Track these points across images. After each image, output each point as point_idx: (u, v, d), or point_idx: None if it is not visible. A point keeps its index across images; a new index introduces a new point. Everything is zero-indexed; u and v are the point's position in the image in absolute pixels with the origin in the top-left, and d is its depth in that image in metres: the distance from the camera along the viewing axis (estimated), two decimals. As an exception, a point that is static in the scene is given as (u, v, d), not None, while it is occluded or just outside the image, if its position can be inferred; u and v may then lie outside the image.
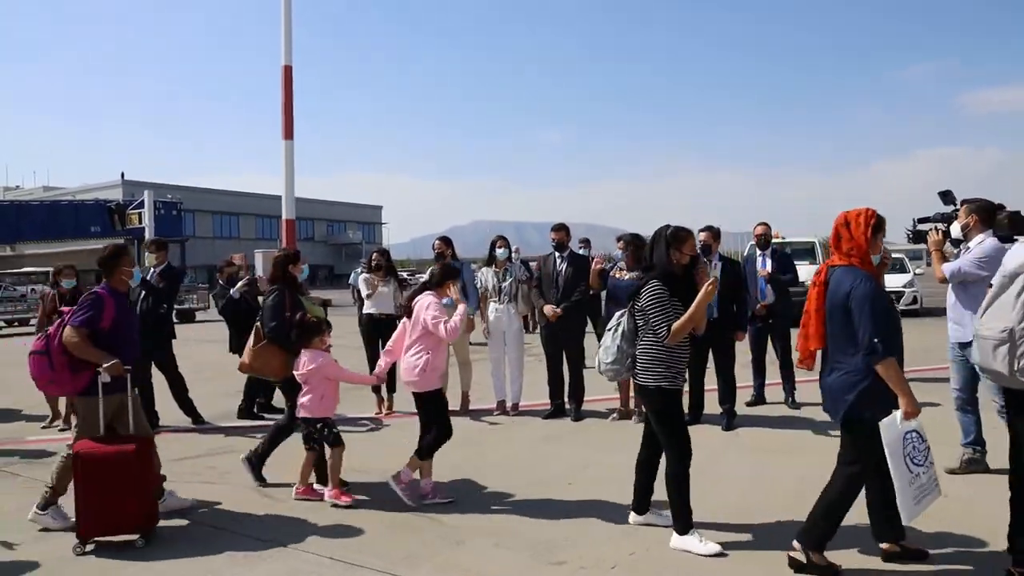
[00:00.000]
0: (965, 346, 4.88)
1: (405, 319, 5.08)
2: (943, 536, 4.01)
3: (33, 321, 11.22)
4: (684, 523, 3.98)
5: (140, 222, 33.18)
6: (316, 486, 5.07)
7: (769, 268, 7.51)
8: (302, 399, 4.97)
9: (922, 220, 5.51)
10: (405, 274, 10.89)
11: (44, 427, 7.51)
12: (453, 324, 4.81)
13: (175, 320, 8.26)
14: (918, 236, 5.55)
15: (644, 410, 4.51)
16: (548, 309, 7.25)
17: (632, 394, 7.25)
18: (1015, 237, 4.98)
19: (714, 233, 7.13)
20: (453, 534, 4.31)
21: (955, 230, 5.08)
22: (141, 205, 32.72)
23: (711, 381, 6.93)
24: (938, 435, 5.62)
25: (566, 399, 7.45)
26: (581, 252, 10.26)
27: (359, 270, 8.12)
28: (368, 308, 7.83)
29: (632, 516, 4.35)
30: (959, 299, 4.98)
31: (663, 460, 4.15)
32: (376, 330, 7.79)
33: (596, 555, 3.94)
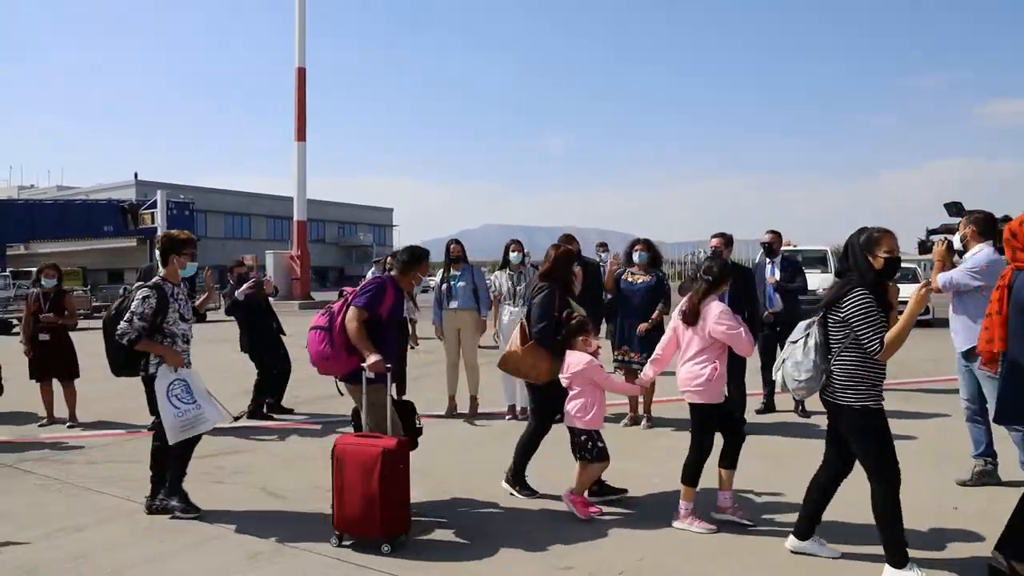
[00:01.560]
0: (965, 355, 4.91)
1: (678, 322, 4.54)
2: (955, 549, 3.97)
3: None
4: (901, 556, 3.54)
5: (153, 222, 33.40)
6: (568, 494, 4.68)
7: (777, 276, 7.50)
8: (568, 406, 4.66)
9: (932, 232, 5.53)
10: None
11: (41, 426, 7.56)
12: (751, 336, 4.37)
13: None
14: (925, 247, 5.57)
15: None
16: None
17: (640, 400, 7.25)
18: None
19: (726, 239, 7.12)
20: (461, 537, 4.31)
21: (958, 241, 5.11)
22: (154, 205, 32.94)
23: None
24: (949, 447, 5.62)
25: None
26: (603, 256, 10.28)
27: (373, 270, 8.14)
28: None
29: (791, 540, 3.93)
30: (955, 308, 5.04)
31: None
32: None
33: (604, 560, 3.93)
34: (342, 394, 4.72)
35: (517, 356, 4.88)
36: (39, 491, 5.30)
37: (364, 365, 4.28)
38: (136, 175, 54.69)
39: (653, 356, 4.72)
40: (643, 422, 7.04)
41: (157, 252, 7.41)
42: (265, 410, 7.81)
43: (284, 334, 8.16)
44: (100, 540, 4.35)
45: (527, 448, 5.00)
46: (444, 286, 7.73)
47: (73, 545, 4.27)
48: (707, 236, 7.66)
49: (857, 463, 3.76)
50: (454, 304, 7.61)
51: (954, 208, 5.41)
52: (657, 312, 6.83)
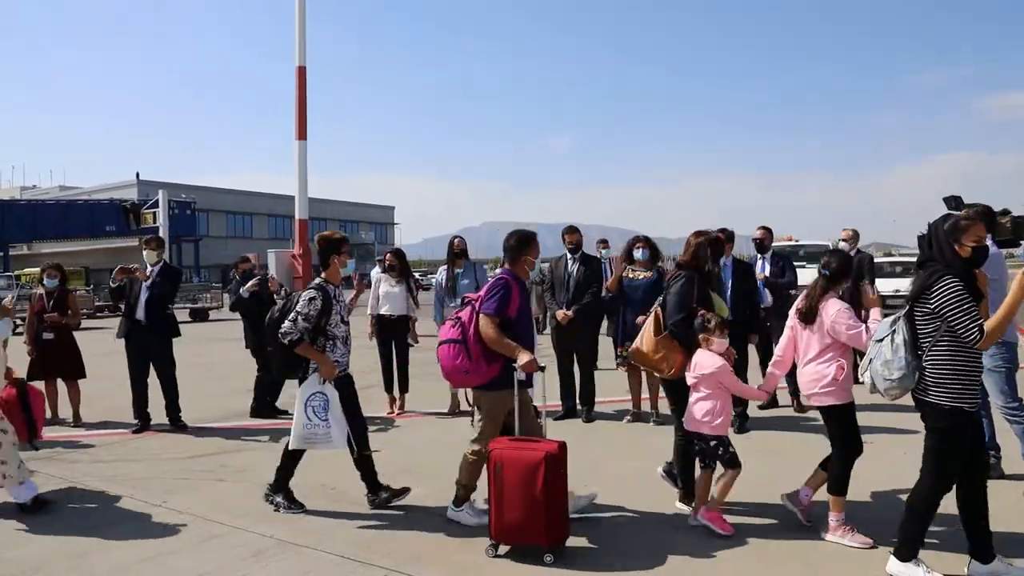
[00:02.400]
0: None
1: (797, 323, 4.27)
2: (958, 542, 3.97)
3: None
4: (912, 551, 3.51)
5: (154, 221, 33.43)
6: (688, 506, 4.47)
7: (767, 272, 7.52)
8: (693, 409, 4.34)
9: None
10: (417, 275, 10.94)
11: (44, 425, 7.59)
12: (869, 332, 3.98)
13: (188, 319, 8.26)
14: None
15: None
16: (560, 313, 7.24)
17: (645, 395, 7.25)
18: (1020, 241, 5.02)
19: (727, 235, 7.12)
20: (462, 534, 4.32)
21: None
22: (156, 205, 33.00)
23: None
24: (952, 440, 5.60)
25: (577, 401, 7.45)
26: (603, 253, 10.29)
27: (376, 269, 8.14)
28: (380, 309, 7.85)
29: (972, 566, 3.57)
30: None
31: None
32: (386, 330, 7.82)
33: (599, 558, 3.94)
34: (472, 405, 4.49)
35: (649, 346, 4.54)
36: (43, 489, 5.32)
37: (516, 366, 4.12)
38: (138, 175, 54.76)
39: (774, 358, 4.47)
40: (651, 420, 7.05)
41: (147, 251, 7.44)
42: (266, 410, 7.80)
43: None
44: (104, 538, 4.36)
45: (686, 457, 4.64)
46: (449, 283, 7.73)
47: (77, 543, 4.29)
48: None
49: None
50: (455, 302, 7.62)
51: (953, 202, 5.42)
52: (656, 307, 6.85)
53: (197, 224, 47.07)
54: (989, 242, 4.84)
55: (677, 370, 4.49)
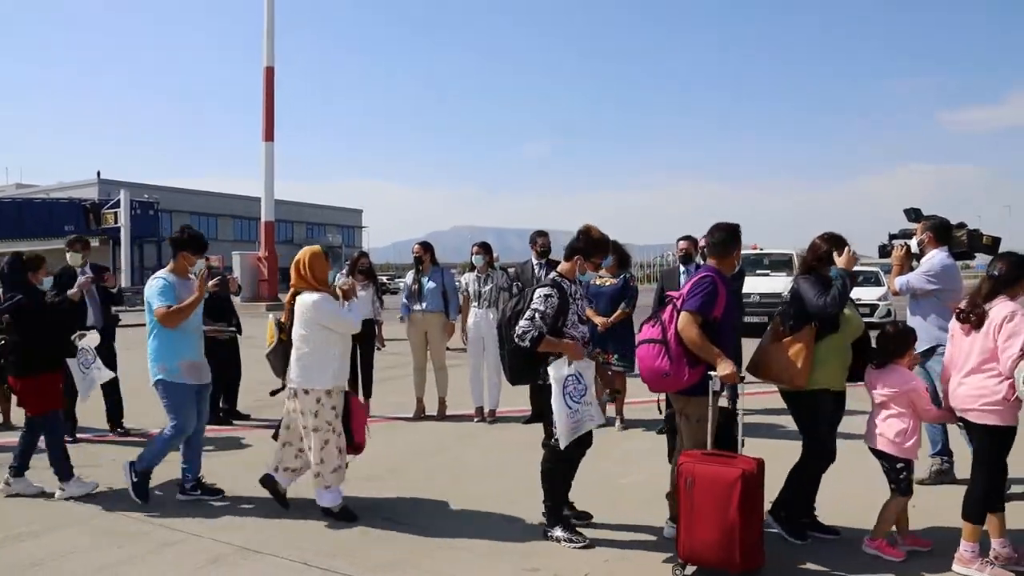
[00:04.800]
0: (922, 355, 5.04)
1: (956, 330, 3.91)
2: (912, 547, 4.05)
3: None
4: None
5: (116, 222, 32.81)
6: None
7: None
8: (882, 428, 4.02)
9: (893, 236, 5.71)
10: (384, 278, 10.81)
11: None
12: None
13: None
14: (885, 251, 5.74)
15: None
16: None
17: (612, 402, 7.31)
18: (975, 254, 5.18)
19: (693, 242, 7.20)
20: (428, 542, 4.29)
21: (914, 245, 5.29)
22: (117, 205, 32.42)
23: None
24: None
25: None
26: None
27: (344, 271, 8.05)
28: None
29: None
30: (912, 310, 5.23)
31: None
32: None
33: (570, 562, 3.95)
34: (662, 412, 4.29)
35: (778, 354, 4.14)
36: (-4, 496, 5.19)
37: (713, 375, 3.81)
38: (99, 173, 53.67)
39: (942, 372, 4.05)
40: (616, 424, 7.09)
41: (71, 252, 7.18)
42: (221, 415, 7.66)
43: (240, 333, 7.93)
44: (59, 546, 4.27)
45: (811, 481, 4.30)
46: (415, 287, 7.72)
47: (30, 551, 4.19)
48: (674, 239, 7.74)
49: None
50: (420, 306, 7.60)
51: (912, 213, 5.59)
52: (620, 311, 6.89)
53: (160, 225, 46.27)
54: (945, 254, 5.00)
55: (802, 378, 4.06)
